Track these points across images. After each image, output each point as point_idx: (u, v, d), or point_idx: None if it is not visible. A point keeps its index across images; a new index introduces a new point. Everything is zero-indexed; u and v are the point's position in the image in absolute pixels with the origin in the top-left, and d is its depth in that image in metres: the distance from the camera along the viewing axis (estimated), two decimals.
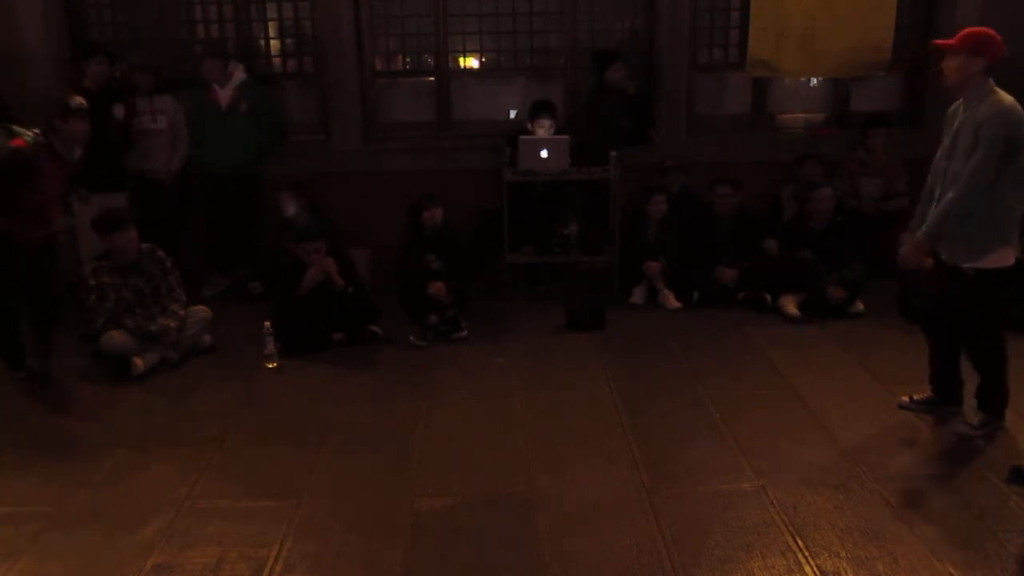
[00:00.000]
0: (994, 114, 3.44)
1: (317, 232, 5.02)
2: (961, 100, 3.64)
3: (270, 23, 6.44)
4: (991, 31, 3.55)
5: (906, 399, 4.07)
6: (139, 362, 4.59)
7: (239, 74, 5.86)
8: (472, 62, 6.60)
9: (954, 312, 3.75)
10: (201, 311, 4.97)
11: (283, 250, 5.25)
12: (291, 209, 5.77)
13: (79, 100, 4.54)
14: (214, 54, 5.83)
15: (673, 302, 5.60)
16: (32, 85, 5.88)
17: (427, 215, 5.28)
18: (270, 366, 4.70)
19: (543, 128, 5.77)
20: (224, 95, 5.81)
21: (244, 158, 5.88)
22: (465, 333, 5.13)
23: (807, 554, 2.92)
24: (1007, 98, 3.49)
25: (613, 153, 5.64)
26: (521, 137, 5.70)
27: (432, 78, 6.53)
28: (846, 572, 2.82)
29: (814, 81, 6.74)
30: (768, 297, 5.50)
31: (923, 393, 4.02)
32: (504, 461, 3.62)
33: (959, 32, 3.59)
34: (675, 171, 6.12)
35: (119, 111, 5.60)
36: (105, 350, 4.64)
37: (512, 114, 6.62)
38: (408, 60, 6.64)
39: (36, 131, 4.35)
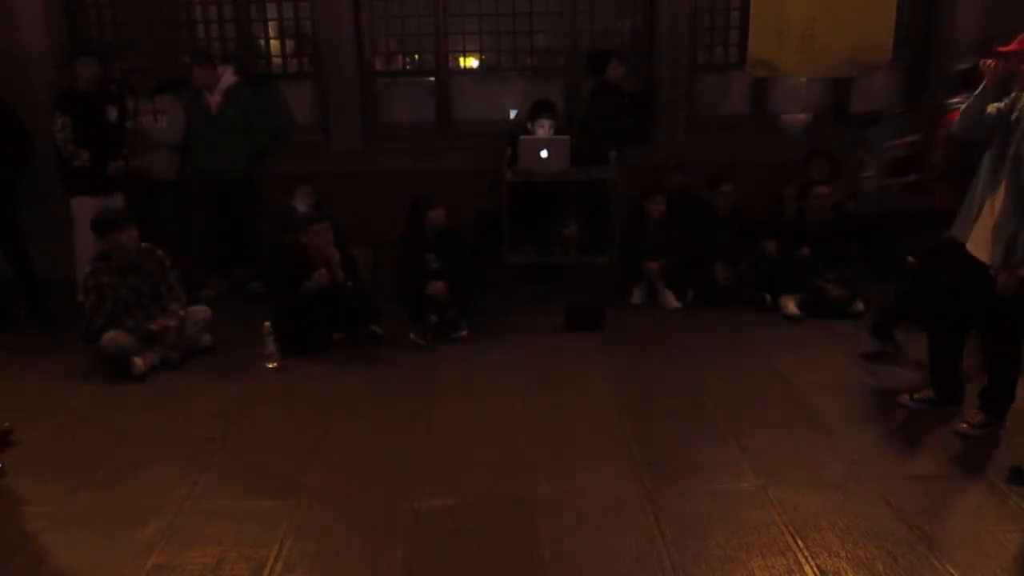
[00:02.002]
0: None
1: (322, 215, 5.07)
2: (1013, 97, 3.44)
3: (270, 23, 6.44)
4: None
5: (906, 397, 4.07)
6: (139, 362, 4.59)
7: (228, 77, 5.85)
8: (472, 62, 6.61)
9: (995, 315, 3.64)
10: (201, 311, 4.97)
11: (285, 247, 5.26)
12: (303, 205, 5.78)
13: None
14: (199, 61, 5.80)
15: (673, 302, 5.60)
16: (34, 87, 5.88)
17: (432, 215, 5.27)
18: (270, 366, 4.70)
19: (543, 128, 5.77)
20: (213, 99, 5.81)
21: (236, 161, 5.88)
22: (465, 333, 5.13)
23: (807, 554, 2.92)
24: None
25: (613, 153, 5.64)
26: (521, 137, 5.70)
27: (432, 78, 6.53)
28: (846, 572, 2.82)
29: (814, 81, 6.74)
30: (768, 297, 5.51)
31: (923, 392, 4.03)
32: (504, 461, 3.62)
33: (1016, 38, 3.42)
34: (676, 170, 6.12)
35: (112, 113, 5.57)
36: (105, 350, 4.64)
37: (512, 114, 6.62)
38: (408, 60, 6.64)
39: None
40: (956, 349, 3.88)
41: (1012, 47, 3.41)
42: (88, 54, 5.52)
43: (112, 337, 4.61)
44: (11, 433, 3.79)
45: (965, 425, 3.76)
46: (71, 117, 5.38)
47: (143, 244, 4.82)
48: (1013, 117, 3.42)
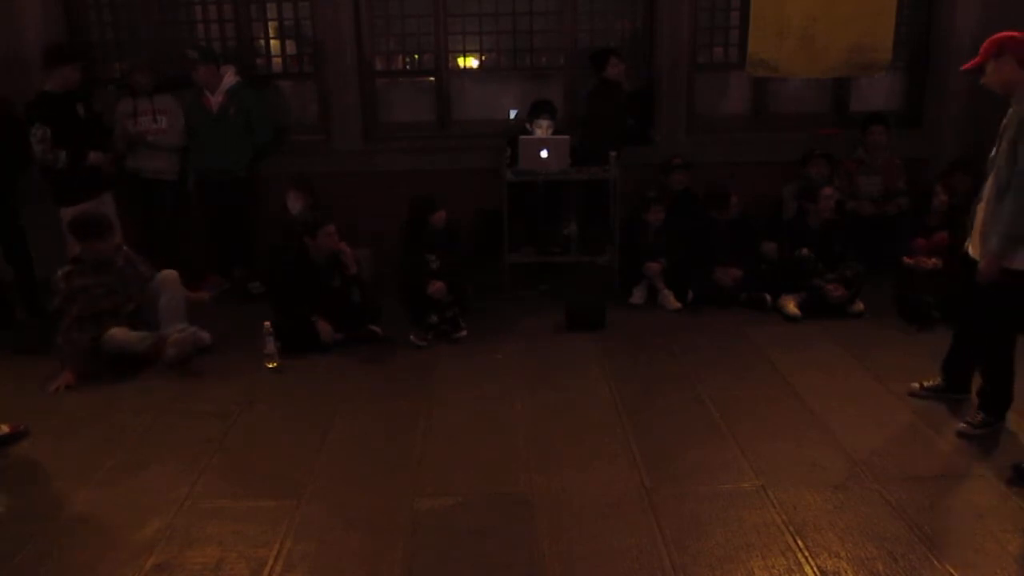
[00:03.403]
0: None
1: (330, 216, 5.09)
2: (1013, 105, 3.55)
3: (270, 23, 6.44)
4: (1010, 32, 3.53)
5: (916, 386, 4.12)
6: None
7: (230, 78, 5.84)
8: (472, 62, 6.61)
9: (976, 311, 3.73)
10: (200, 295, 4.94)
11: (283, 249, 5.26)
12: (296, 207, 5.78)
13: None
14: (205, 59, 5.78)
15: (673, 302, 5.60)
16: (34, 87, 5.87)
17: (436, 217, 5.27)
18: (270, 366, 4.69)
19: (541, 128, 5.78)
20: (214, 100, 5.80)
21: (236, 162, 5.87)
22: (465, 333, 5.13)
23: (807, 554, 2.92)
24: None
25: (613, 153, 5.65)
26: (521, 137, 5.70)
27: (432, 78, 6.53)
28: (846, 572, 2.82)
29: (814, 81, 6.74)
30: (768, 297, 5.51)
31: (933, 380, 4.08)
32: (504, 461, 3.62)
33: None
34: (680, 169, 6.12)
35: (81, 109, 5.52)
36: (107, 350, 4.62)
37: (512, 114, 6.62)
38: (408, 60, 6.64)
39: None
40: (969, 341, 3.93)
41: (975, 59, 3.58)
42: (73, 59, 5.45)
43: (113, 336, 4.60)
44: (27, 435, 3.89)
45: (965, 425, 3.77)
46: (50, 124, 5.28)
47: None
48: (1002, 126, 3.53)
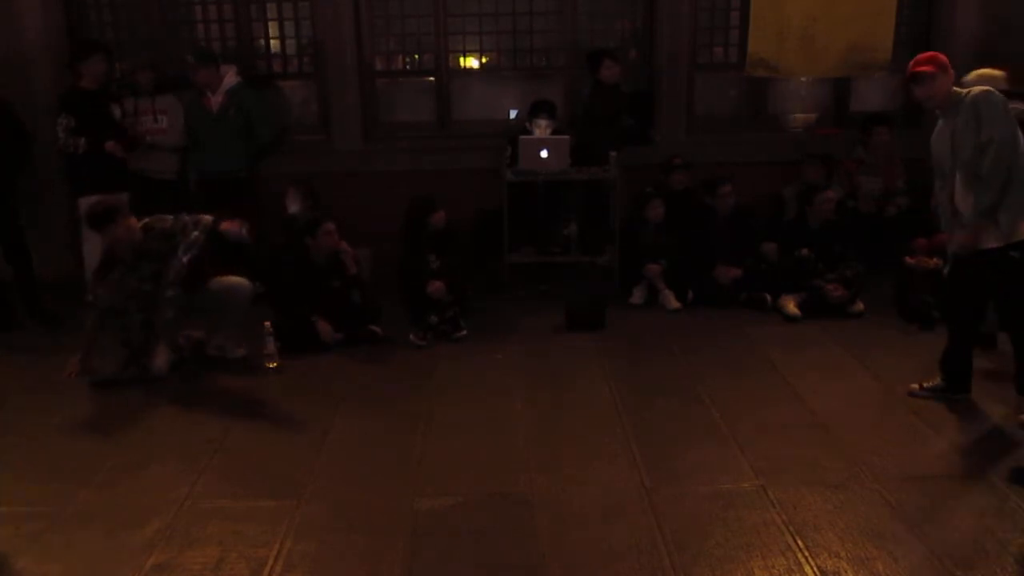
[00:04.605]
0: (980, 90, 3.63)
1: (329, 214, 5.09)
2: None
3: (270, 23, 6.45)
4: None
5: (916, 387, 4.12)
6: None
7: (230, 78, 5.84)
8: (472, 62, 6.61)
9: (1003, 298, 3.82)
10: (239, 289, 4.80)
11: (283, 249, 5.26)
12: (294, 206, 5.78)
13: None
14: (203, 62, 5.78)
15: (673, 302, 5.60)
16: (34, 87, 5.88)
17: (435, 217, 5.28)
18: (270, 366, 4.69)
19: (540, 128, 5.78)
20: (215, 100, 5.80)
21: (237, 162, 5.87)
22: (465, 333, 5.13)
23: (807, 554, 2.92)
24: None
25: (613, 153, 5.65)
26: (521, 137, 5.70)
27: (432, 78, 6.53)
28: (846, 572, 2.82)
29: (814, 81, 6.74)
30: (768, 297, 5.51)
31: (933, 380, 4.08)
32: (504, 461, 3.62)
33: (918, 61, 3.76)
34: (681, 169, 6.12)
35: (117, 111, 5.58)
36: (155, 374, 4.55)
37: (512, 114, 6.63)
38: (408, 60, 6.65)
39: None
40: (970, 338, 3.94)
41: (931, 68, 3.71)
42: (97, 51, 5.50)
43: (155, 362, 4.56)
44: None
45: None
46: (76, 117, 5.35)
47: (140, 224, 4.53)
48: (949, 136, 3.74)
